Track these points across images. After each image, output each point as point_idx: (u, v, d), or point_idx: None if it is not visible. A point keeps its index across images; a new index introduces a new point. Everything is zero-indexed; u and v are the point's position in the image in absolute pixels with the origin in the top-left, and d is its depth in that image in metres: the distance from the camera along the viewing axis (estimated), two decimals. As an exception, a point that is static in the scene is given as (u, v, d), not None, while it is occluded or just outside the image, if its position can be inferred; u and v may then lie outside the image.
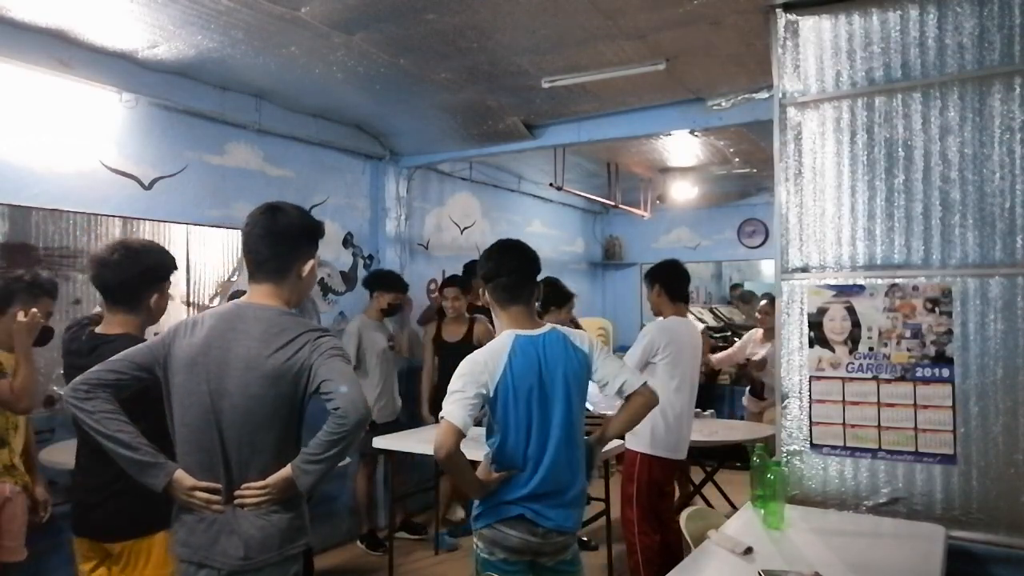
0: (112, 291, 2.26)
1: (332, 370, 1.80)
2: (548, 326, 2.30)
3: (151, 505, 2.14)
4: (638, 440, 3.47)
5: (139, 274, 2.26)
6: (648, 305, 4.11)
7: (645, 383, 2.29)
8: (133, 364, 1.88)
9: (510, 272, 2.31)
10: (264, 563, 1.82)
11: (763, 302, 5.52)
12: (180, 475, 1.84)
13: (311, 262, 1.98)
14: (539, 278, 2.40)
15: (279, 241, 1.92)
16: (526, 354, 2.21)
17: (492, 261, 2.34)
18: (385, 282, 4.90)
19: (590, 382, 2.32)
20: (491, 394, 2.18)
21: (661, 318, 3.69)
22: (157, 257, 2.38)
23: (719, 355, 5.60)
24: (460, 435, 2.11)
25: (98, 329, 2.29)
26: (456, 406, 2.13)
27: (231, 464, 1.83)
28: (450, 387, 2.19)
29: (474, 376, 2.18)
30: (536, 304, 2.39)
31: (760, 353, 5.13)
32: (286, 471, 1.83)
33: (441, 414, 2.14)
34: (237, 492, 1.83)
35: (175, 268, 2.43)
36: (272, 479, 1.83)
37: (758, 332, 5.39)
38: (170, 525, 2.11)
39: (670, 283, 3.69)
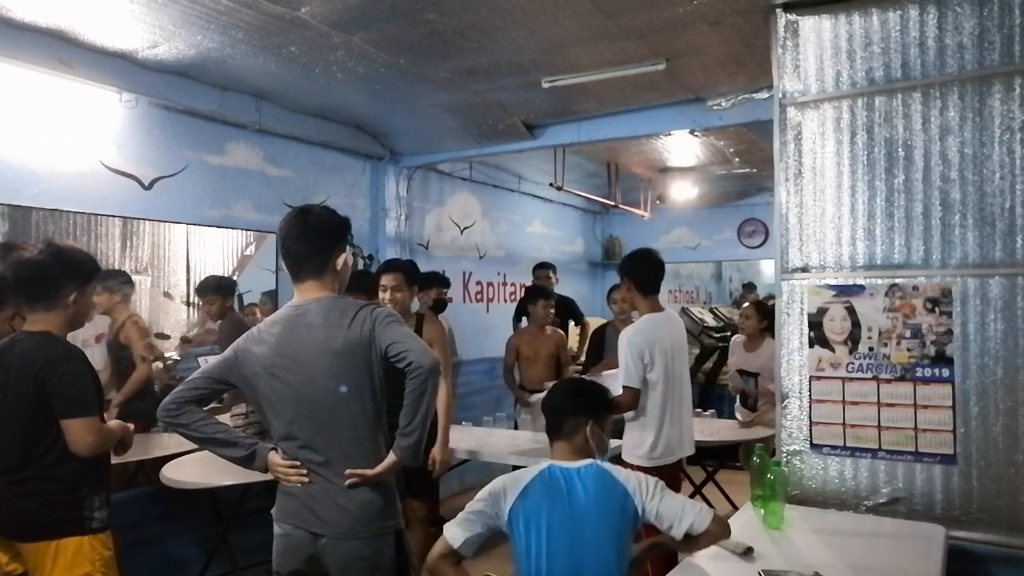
0: (33, 286, 2.27)
1: (395, 334, 2.01)
2: (587, 460, 2.09)
3: (60, 509, 2.20)
4: (629, 453, 3.24)
5: (58, 269, 2.27)
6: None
7: (715, 517, 2.04)
8: (210, 379, 2.11)
9: (550, 411, 2.19)
10: (357, 535, 2.01)
11: (745, 305, 5.14)
12: (272, 456, 2.08)
13: (343, 255, 2.15)
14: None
15: (314, 239, 2.11)
16: (549, 488, 2.02)
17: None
18: (428, 279, 4.89)
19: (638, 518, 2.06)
20: (503, 520, 2.01)
21: (636, 316, 3.36)
22: (81, 256, 2.39)
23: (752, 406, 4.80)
24: (453, 555, 1.98)
25: (25, 327, 2.32)
26: (459, 523, 2.01)
27: (331, 441, 2.02)
28: (475, 498, 2.06)
29: (493, 498, 2.03)
30: (582, 435, 2.14)
31: (752, 363, 4.73)
32: (392, 457, 2.04)
33: (446, 528, 2.03)
34: (348, 472, 2.00)
35: (98, 270, 2.43)
36: (381, 467, 2.03)
37: (740, 338, 4.95)
38: (84, 533, 2.22)
39: (639, 274, 3.32)
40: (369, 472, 2.02)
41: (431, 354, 2.00)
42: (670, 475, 3.43)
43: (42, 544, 2.19)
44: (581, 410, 2.18)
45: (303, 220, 2.13)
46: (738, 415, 4.85)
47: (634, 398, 3.16)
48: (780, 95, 2.93)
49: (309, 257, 2.11)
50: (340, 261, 2.14)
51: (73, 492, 2.22)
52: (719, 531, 2.05)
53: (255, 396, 2.10)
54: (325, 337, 2.01)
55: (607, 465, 2.10)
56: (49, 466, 2.20)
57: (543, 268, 5.94)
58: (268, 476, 2.15)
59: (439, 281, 5.14)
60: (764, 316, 4.70)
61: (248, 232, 4.37)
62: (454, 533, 2.00)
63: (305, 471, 2.04)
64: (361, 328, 2.02)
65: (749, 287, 8.59)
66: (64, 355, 2.23)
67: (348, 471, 2.01)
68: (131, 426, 2.48)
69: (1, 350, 2.29)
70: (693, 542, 2.05)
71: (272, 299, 4.48)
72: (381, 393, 2.08)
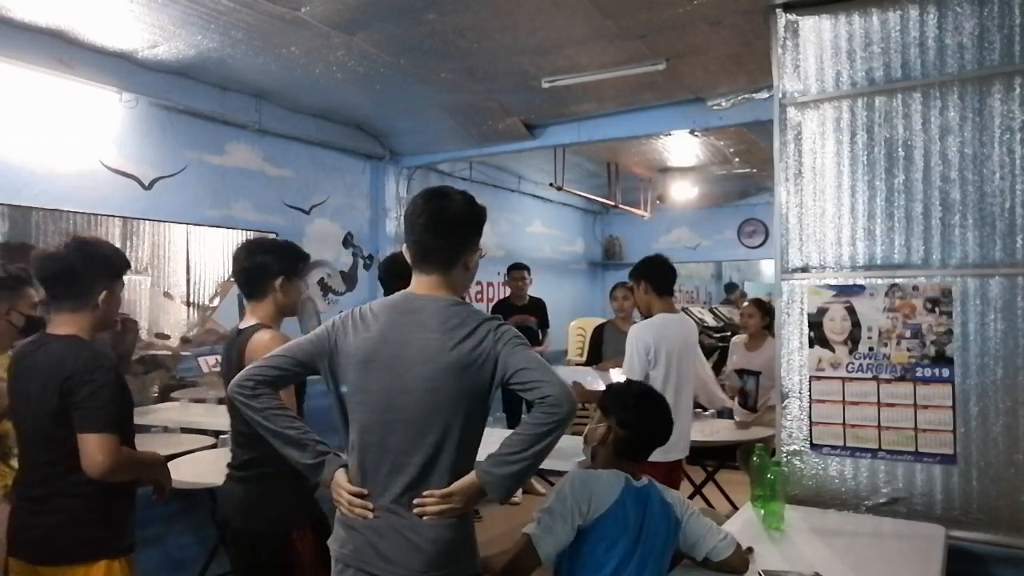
0: (58, 283, 2.06)
1: (526, 360, 1.70)
2: (645, 478, 2.08)
3: (94, 529, 2.02)
4: None
5: (89, 263, 2.07)
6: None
7: (737, 547, 2.03)
8: (294, 360, 1.81)
9: (638, 429, 2.10)
10: None
11: (745, 304, 5.18)
12: (339, 476, 1.75)
13: (477, 252, 1.88)
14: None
15: (447, 230, 1.81)
16: (635, 509, 1.99)
17: (631, 410, 2.12)
18: None
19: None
20: (585, 524, 1.95)
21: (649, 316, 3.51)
22: (109, 250, 2.18)
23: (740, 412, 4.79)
24: (537, 564, 1.88)
25: (48, 329, 2.11)
26: (547, 534, 1.89)
27: (411, 464, 1.70)
28: (553, 500, 1.96)
29: (576, 501, 1.94)
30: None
31: (754, 362, 4.70)
32: (471, 477, 1.70)
33: (526, 529, 1.90)
34: (417, 500, 1.68)
35: (127, 267, 2.21)
36: (457, 486, 1.69)
37: (742, 338, 4.96)
38: (113, 555, 2.02)
39: (656, 277, 3.46)
40: (439, 492, 1.68)
41: (572, 393, 1.70)
42: (665, 473, 3.44)
43: (68, 569, 2.00)
44: (668, 434, 2.17)
45: (438, 206, 1.81)
46: (736, 416, 4.82)
47: None
48: (780, 95, 2.93)
49: (436, 249, 1.80)
50: (473, 259, 1.86)
51: (101, 510, 2.03)
52: (738, 564, 2.03)
53: (338, 391, 1.80)
54: (438, 344, 1.70)
55: (654, 482, 2.09)
56: (76, 484, 1.99)
57: (519, 269, 5.82)
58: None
59: None
60: (766, 314, 4.69)
61: (248, 232, 4.37)
62: (544, 544, 1.88)
63: (371, 505, 1.70)
64: (480, 344, 1.70)
65: (731, 287, 8.62)
66: (92, 364, 2.00)
67: (417, 500, 1.67)
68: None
69: (23, 353, 2.11)
70: (712, 566, 2.04)
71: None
72: (483, 421, 1.78)
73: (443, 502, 1.67)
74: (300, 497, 2.22)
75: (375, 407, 1.73)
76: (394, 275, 4.46)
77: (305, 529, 2.26)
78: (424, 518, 1.67)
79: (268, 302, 2.39)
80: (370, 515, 1.70)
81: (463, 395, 1.70)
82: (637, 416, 2.11)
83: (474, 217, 1.88)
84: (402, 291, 1.86)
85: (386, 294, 4.33)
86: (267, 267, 2.39)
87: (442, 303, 1.77)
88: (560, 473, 2.16)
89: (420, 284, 1.82)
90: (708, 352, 6.98)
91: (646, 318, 3.47)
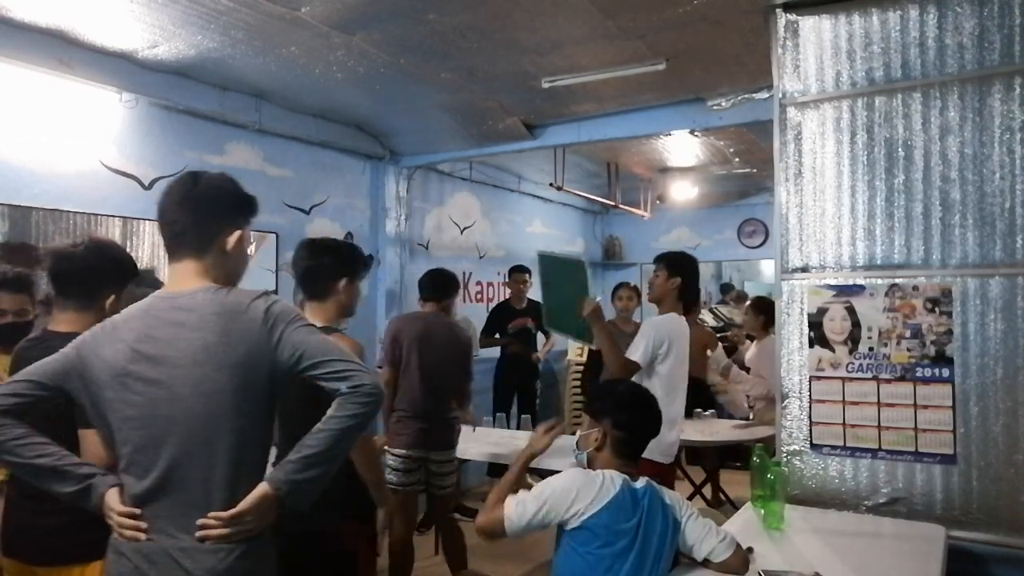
0: (69, 281, 2.06)
1: (323, 347, 1.55)
2: (644, 480, 2.09)
3: (94, 530, 1.88)
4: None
5: (101, 264, 2.08)
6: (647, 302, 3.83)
7: (737, 547, 2.03)
8: (36, 384, 1.58)
9: (633, 428, 2.14)
10: None
11: (746, 303, 5.38)
12: (109, 497, 1.55)
13: (237, 233, 1.66)
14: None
15: (199, 208, 1.62)
16: (631, 509, 2.00)
17: (625, 411, 2.16)
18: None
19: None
20: (571, 523, 1.98)
21: (657, 315, 3.44)
22: (122, 254, 2.23)
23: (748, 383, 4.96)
24: (502, 536, 1.99)
25: (48, 326, 2.10)
26: (525, 516, 1.97)
27: (188, 480, 1.50)
28: (537, 491, 2.01)
29: (561, 499, 1.98)
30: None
31: (753, 361, 4.89)
32: (263, 489, 1.51)
33: (510, 498, 2.01)
34: (199, 522, 1.47)
35: (137, 275, 2.22)
36: (247, 503, 1.50)
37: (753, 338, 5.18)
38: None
39: (690, 279, 3.38)
40: (224, 513, 1.47)
41: (377, 379, 1.57)
42: (663, 475, 3.41)
43: (64, 569, 1.97)
44: (657, 432, 2.23)
45: (189, 183, 1.63)
46: (751, 416, 4.93)
47: (631, 372, 3.08)
48: (780, 95, 2.93)
49: (188, 230, 1.60)
50: (232, 240, 1.64)
51: None
52: (737, 565, 2.02)
53: (98, 411, 1.58)
54: (202, 343, 1.51)
55: (653, 483, 2.10)
56: None
57: (520, 272, 5.85)
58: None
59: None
60: (759, 313, 4.79)
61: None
62: (516, 520, 1.97)
63: (144, 525, 1.50)
64: (254, 332, 1.53)
65: (726, 287, 8.63)
66: None
67: (201, 521, 1.47)
68: None
69: (23, 348, 2.10)
70: (712, 567, 2.04)
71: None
72: (271, 423, 1.61)
73: (229, 524, 1.48)
74: (351, 489, 2.19)
75: (142, 423, 1.53)
76: (439, 286, 4.03)
77: (353, 523, 2.28)
78: (208, 543, 1.47)
79: (331, 304, 2.42)
80: (141, 537, 1.50)
81: (243, 395, 1.52)
82: (630, 415, 2.14)
83: (229, 193, 1.68)
84: (158, 292, 1.65)
85: (438, 304, 3.92)
86: (329, 268, 2.42)
87: (204, 294, 1.57)
88: (559, 472, 2.15)
89: (176, 275, 1.62)
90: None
91: (659, 307, 3.35)
